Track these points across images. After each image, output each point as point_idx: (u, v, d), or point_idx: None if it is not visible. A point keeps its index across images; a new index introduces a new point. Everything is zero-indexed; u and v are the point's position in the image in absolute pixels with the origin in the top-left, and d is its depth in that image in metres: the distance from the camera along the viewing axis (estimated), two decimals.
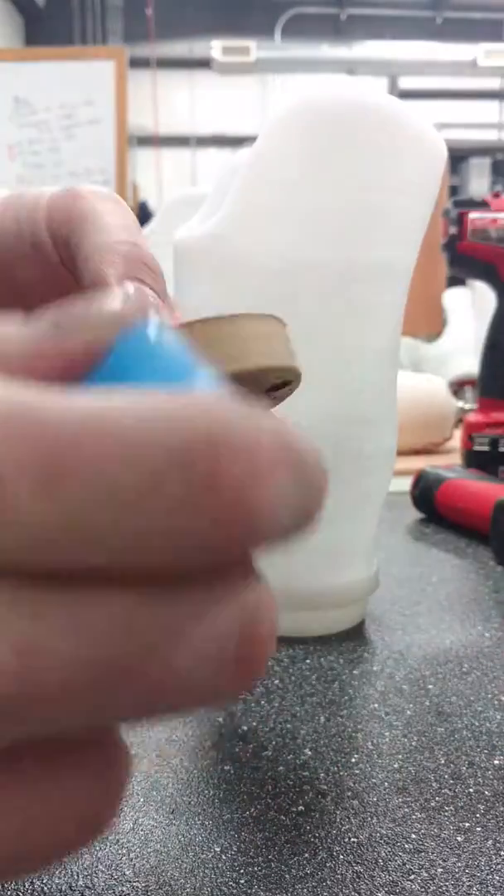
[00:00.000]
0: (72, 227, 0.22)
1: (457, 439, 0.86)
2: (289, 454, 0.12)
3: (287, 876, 0.23)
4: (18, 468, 0.10)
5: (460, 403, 0.97)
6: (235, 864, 0.23)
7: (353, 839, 0.25)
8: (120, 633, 0.11)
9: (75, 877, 0.23)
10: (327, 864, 0.23)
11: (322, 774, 0.28)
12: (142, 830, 0.25)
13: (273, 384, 0.21)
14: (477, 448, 0.72)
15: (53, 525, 0.10)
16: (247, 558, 0.13)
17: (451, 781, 0.28)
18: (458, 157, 6.13)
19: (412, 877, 0.23)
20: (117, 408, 0.11)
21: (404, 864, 0.23)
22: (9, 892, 0.22)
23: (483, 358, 0.75)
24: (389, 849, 0.24)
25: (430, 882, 0.23)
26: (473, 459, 0.72)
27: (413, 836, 0.25)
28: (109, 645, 0.11)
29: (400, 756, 0.29)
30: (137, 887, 0.22)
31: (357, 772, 0.28)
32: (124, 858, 0.24)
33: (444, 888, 0.22)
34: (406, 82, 6.31)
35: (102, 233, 0.22)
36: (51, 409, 0.11)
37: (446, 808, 0.26)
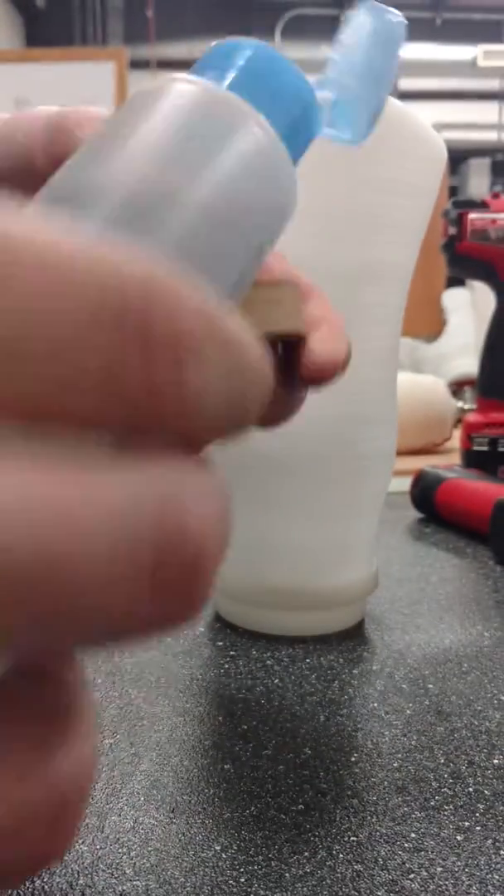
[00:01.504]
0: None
1: (456, 439, 0.86)
2: (219, 334, 0.10)
3: (287, 875, 0.23)
4: None
5: (460, 404, 0.97)
6: (235, 862, 0.23)
7: (352, 838, 0.25)
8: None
9: (76, 875, 0.23)
10: (327, 863, 0.24)
11: (322, 773, 0.28)
12: (142, 829, 0.25)
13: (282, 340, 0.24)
14: (476, 448, 0.73)
15: None
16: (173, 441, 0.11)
17: (451, 781, 0.28)
18: (458, 158, 6.13)
19: (412, 876, 0.23)
20: (55, 238, 0.09)
21: (404, 863, 0.24)
22: (8, 892, 0.22)
23: (482, 358, 0.75)
24: (389, 848, 0.24)
25: (430, 881, 0.23)
26: (473, 459, 0.73)
27: (413, 835, 0.25)
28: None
29: (399, 755, 0.29)
30: (138, 886, 0.22)
31: (357, 771, 0.28)
32: (124, 857, 0.24)
33: (443, 887, 0.23)
34: (405, 83, 6.30)
35: None
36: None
37: (446, 808, 0.26)
